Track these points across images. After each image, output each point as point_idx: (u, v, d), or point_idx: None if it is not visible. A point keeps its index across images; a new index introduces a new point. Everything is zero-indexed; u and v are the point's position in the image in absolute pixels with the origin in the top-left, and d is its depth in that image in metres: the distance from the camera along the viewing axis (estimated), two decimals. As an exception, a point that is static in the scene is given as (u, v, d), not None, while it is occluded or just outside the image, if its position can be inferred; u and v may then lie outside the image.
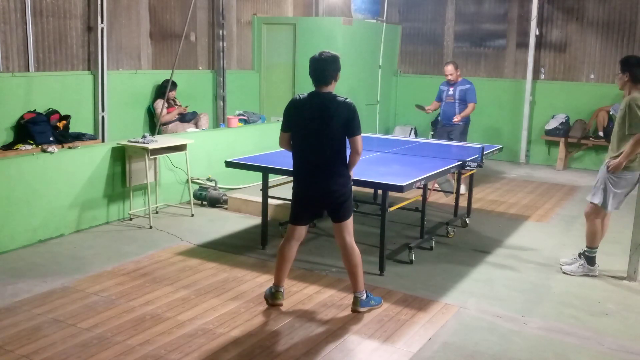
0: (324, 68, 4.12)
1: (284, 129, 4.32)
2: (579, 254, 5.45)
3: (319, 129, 4.12)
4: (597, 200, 5.12)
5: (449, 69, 8.04)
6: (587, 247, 5.25)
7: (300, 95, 4.25)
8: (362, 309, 4.35)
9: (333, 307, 4.45)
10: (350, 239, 4.33)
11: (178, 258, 5.43)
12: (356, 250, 4.35)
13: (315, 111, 4.13)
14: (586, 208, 5.30)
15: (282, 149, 4.52)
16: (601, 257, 5.31)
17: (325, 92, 4.17)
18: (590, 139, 10.04)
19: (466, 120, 8.03)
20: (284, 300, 4.49)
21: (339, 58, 4.21)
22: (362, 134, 4.25)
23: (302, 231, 4.43)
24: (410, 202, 6.20)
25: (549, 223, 6.93)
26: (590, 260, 5.22)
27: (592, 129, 10.17)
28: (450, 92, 7.98)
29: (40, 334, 3.92)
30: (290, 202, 4.51)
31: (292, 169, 4.39)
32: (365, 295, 4.39)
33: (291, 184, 6.38)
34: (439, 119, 8.47)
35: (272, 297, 4.45)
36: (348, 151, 4.25)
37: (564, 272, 5.24)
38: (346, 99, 4.15)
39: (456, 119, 7.88)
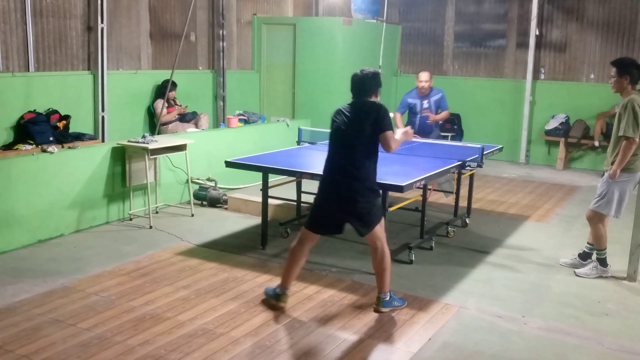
0: (363, 83, 4.27)
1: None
2: (579, 254, 5.47)
3: (350, 132, 4.21)
4: (607, 211, 5.10)
5: (426, 76, 7.49)
6: (596, 250, 5.26)
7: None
8: (384, 309, 4.37)
9: (333, 307, 4.44)
10: (381, 244, 4.33)
11: (178, 258, 5.43)
12: (387, 254, 4.35)
13: (350, 115, 4.25)
14: (588, 212, 5.30)
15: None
16: (601, 257, 5.32)
17: (363, 100, 4.29)
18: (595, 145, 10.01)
19: (440, 126, 7.87)
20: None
21: (379, 74, 4.34)
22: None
23: (315, 238, 4.42)
24: (410, 202, 6.20)
25: (549, 223, 6.93)
26: (602, 262, 5.23)
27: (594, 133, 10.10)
28: (426, 105, 7.47)
29: (40, 334, 3.92)
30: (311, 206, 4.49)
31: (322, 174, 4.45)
32: (389, 296, 4.40)
33: (291, 184, 6.43)
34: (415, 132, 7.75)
35: (278, 299, 4.41)
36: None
37: (577, 276, 5.22)
38: (377, 102, 4.28)
39: (434, 119, 7.50)
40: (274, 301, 4.42)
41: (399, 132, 4.46)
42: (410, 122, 7.57)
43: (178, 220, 6.63)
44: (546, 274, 5.27)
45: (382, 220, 4.37)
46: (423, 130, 7.50)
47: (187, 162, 6.80)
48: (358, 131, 4.18)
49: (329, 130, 4.43)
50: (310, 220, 4.39)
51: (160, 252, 5.58)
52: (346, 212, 4.24)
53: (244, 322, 4.18)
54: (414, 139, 7.29)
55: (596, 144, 9.88)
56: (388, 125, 4.19)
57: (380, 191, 4.45)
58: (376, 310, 4.38)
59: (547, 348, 3.94)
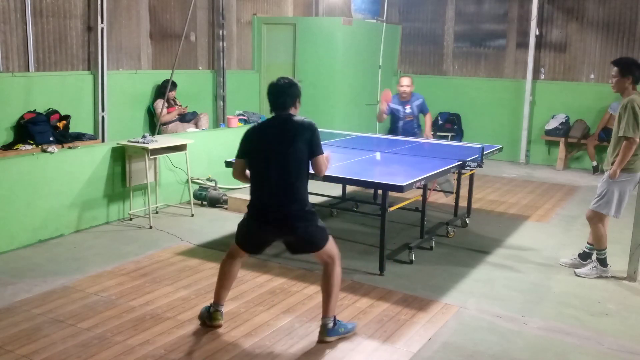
0: (283, 95, 3.91)
1: (240, 155, 4.03)
2: (579, 254, 5.47)
3: (281, 151, 3.82)
4: (607, 211, 5.10)
5: (407, 81, 7.38)
6: (596, 250, 5.25)
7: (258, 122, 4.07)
8: (329, 339, 3.92)
9: (333, 307, 4.44)
10: (331, 260, 3.91)
11: (178, 258, 5.43)
12: (336, 273, 3.93)
13: (278, 133, 3.88)
14: (588, 212, 5.30)
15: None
16: (601, 257, 5.32)
17: (287, 115, 3.92)
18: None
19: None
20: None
21: (297, 84, 3.97)
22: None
23: (245, 253, 4.09)
24: (410, 202, 6.20)
25: (549, 223, 6.93)
26: (602, 262, 5.22)
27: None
28: (408, 110, 7.42)
29: (40, 334, 3.92)
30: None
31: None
32: (332, 322, 3.95)
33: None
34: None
35: (210, 318, 4.06)
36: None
37: (577, 276, 5.22)
38: (305, 118, 3.91)
39: (431, 134, 7.68)
40: (209, 321, 4.07)
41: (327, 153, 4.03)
42: (393, 127, 7.64)
43: (178, 220, 6.63)
44: (546, 274, 5.27)
45: (330, 238, 3.94)
46: (407, 134, 7.56)
47: (187, 162, 6.81)
48: (290, 151, 3.78)
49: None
50: (240, 240, 4.01)
51: (160, 252, 5.58)
52: (284, 237, 3.94)
53: (244, 322, 4.18)
54: (414, 139, 7.30)
55: (594, 163, 9.89)
56: (321, 148, 3.86)
57: (314, 211, 3.95)
58: (320, 341, 3.92)
59: (547, 348, 3.94)
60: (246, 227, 3.96)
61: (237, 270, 4.13)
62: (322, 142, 3.96)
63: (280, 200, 3.82)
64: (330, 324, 3.93)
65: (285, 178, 3.80)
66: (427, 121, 7.67)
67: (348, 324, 4.06)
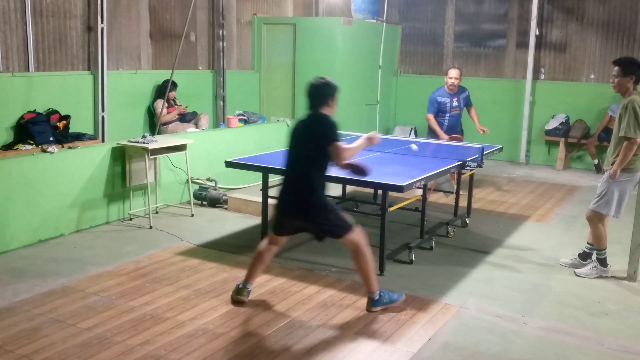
0: (312, 94, 4.24)
1: None
2: (579, 254, 5.46)
3: (298, 145, 4.24)
4: (607, 211, 5.10)
5: (456, 73, 7.48)
6: (596, 250, 5.25)
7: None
8: (375, 309, 4.35)
9: (333, 307, 4.44)
10: (354, 245, 4.24)
11: (178, 258, 5.43)
12: (364, 253, 4.26)
13: (300, 128, 4.27)
14: (588, 212, 5.30)
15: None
16: (601, 257, 5.32)
17: (314, 112, 4.22)
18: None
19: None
20: (247, 299, 4.47)
21: (329, 83, 4.23)
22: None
23: (282, 241, 4.49)
24: (410, 202, 6.20)
25: (549, 223, 6.93)
26: (602, 262, 5.22)
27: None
28: (455, 103, 7.51)
29: (40, 334, 3.92)
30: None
31: None
32: (378, 295, 4.35)
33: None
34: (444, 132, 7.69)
35: (237, 292, 4.46)
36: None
37: (577, 276, 5.22)
38: (323, 114, 4.17)
39: (484, 128, 7.67)
40: (235, 295, 4.47)
41: (362, 137, 4.34)
42: (437, 122, 7.53)
43: (178, 220, 6.63)
44: (546, 274, 5.27)
45: (354, 228, 4.23)
46: (453, 129, 7.46)
47: (187, 162, 6.81)
48: (304, 144, 4.17)
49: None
50: (274, 225, 4.44)
51: (160, 252, 5.58)
52: (301, 223, 4.28)
53: (244, 322, 4.18)
54: (414, 139, 7.29)
55: (595, 162, 9.90)
56: (334, 135, 4.06)
57: (333, 205, 4.31)
58: (368, 310, 4.36)
59: (547, 348, 3.94)
60: (274, 212, 4.46)
61: (270, 257, 4.50)
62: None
63: (294, 190, 4.22)
64: (375, 297, 4.33)
65: (299, 170, 4.19)
66: (475, 115, 7.59)
67: (394, 294, 4.43)
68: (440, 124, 7.54)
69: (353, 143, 4.27)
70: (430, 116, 7.57)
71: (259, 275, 4.61)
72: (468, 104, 7.60)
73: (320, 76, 4.29)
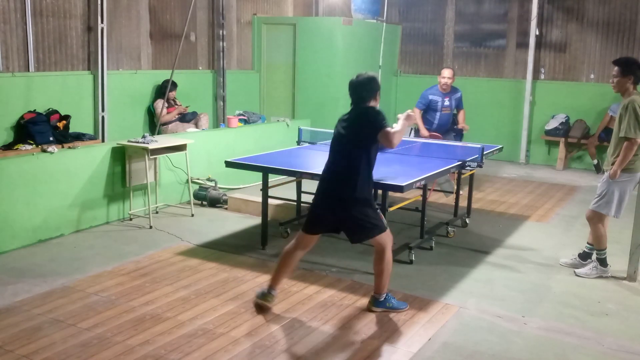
0: (357, 89, 4.22)
1: None
2: (579, 254, 5.47)
3: (345, 139, 4.21)
4: (607, 211, 5.10)
5: (449, 73, 7.51)
6: (596, 250, 5.25)
7: None
8: (376, 309, 4.37)
9: (333, 307, 4.44)
10: (381, 248, 4.26)
11: (178, 258, 5.43)
12: (386, 257, 4.29)
13: (345, 123, 4.25)
14: (588, 212, 5.29)
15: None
16: (601, 257, 5.32)
17: (359, 106, 4.24)
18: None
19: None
20: (273, 304, 4.39)
21: (375, 78, 4.26)
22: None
23: (310, 243, 4.38)
24: (410, 202, 6.20)
25: (549, 223, 6.93)
26: (602, 262, 5.22)
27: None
28: (447, 103, 7.54)
29: (40, 334, 3.92)
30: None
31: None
32: (383, 297, 4.38)
33: (291, 184, 6.42)
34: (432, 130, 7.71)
35: (262, 297, 4.38)
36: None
37: (577, 276, 5.22)
38: (367, 106, 4.21)
39: (466, 126, 7.71)
40: (260, 301, 4.38)
41: (401, 119, 4.33)
42: (427, 120, 7.56)
43: (178, 220, 6.63)
44: (546, 274, 5.27)
45: (387, 230, 4.28)
46: (442, 128, 7.44)
47: (187, 162, 6.80)
48: (352, 139, 4.16)
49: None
50: (306, 222, 4.35)
51: (160, 252, 5.58)
52: (338, 219, 4.22)
53: (244, 322, 4.18)
54: (414, 139, 7.29)
55: (595, 162, 9.91)
56: (382, 122, 4.09)
57: (375, 204, 4.36)
58: (368, 310, 4.39)
59: (547, 348, 3.94)
60: (311, 205, 4.37)
61: (297, 261, 4.42)
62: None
63: (338, 185, 4.19)
64: (380, 298, 4.37)
65: (345, 164, 4.16)
66: (461, 116, 7.61)
67: (399, 303, 4.43)
68: (430, 122, 7.58)
69: (397, 126, 4.24)
70: (417, 110, 7.57)
71: (285, 280, 4.51)
72: (459, 105, 7.61)
73: (361, 72, 4.27)
